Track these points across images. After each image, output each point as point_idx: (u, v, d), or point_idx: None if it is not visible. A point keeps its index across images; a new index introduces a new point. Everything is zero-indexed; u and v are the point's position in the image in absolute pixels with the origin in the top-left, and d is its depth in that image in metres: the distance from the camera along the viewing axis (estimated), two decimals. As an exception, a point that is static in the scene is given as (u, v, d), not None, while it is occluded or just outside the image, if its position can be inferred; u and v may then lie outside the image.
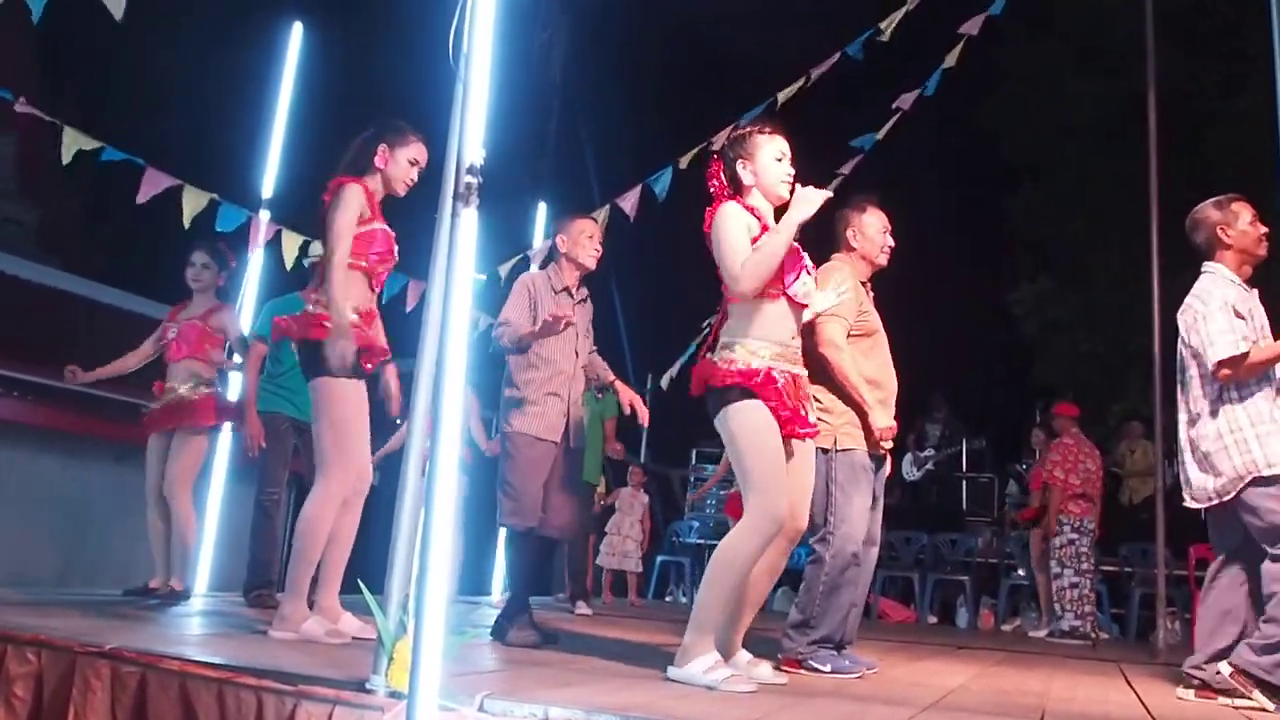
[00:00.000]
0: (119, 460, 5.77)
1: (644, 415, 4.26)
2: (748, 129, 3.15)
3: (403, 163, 3.47)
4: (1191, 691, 3.46)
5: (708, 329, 3.06)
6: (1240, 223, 3.53)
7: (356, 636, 3.35)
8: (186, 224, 4.82)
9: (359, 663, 2.44)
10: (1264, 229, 3.56)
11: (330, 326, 3.24)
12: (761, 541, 2.87)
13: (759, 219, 3.03)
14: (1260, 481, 3.28)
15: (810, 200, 2.91)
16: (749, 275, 2.89)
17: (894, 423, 3.67)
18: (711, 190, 3.14)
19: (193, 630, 3.60)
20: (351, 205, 3.31)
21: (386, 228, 3.46)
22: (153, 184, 4.80)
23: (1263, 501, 3.28)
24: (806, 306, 3.10)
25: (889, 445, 3.75)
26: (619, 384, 4.24)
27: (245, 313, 5.67)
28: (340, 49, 7.55)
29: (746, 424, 2.90)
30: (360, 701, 2.17)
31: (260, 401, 4.75)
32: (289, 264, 5.36)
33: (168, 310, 4.88)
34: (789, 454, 2.99)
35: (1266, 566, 3.26)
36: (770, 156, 3.08)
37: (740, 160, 3.08)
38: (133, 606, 4.10)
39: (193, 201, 4.87)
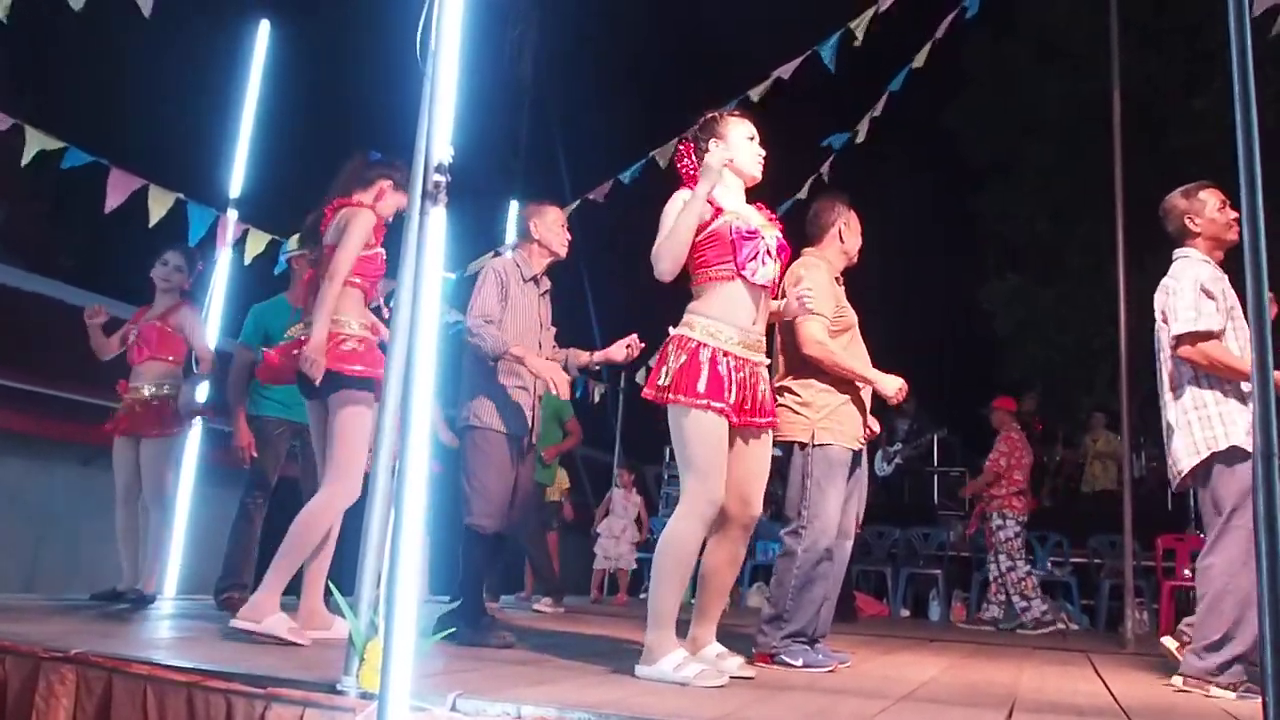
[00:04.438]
0: (85, 463, 5.70)
1: (635, 345, 3.86)
2: (715, 113, 3.18)
3: (392, 206, 3.59)
4: (1181, 679, 3.36)
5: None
6: (1207, 210, 3.52)
7: (318, 639, 3.33)
8: (152, 224, 4.74)
9: (330, 664, 2.42)
10: (1234, 214, 3.47)
11: (312, 344, 3.28)
12: (701, 525, 2.88)
13: (711, 203, 2.99)
14: (1220, 458, 3.26)
15: (712, 169, 2.91)
16: (659, 255, 2.92)
17: (902, 380, 3.65)
18: (682, 174, 3.15)
19: (161, 633, 3.55)
20: (364, 234, 3.42)
21: (383, 251, 3.56)
22: (119, 188, 4.71)
23: (1219, 479, 3.27)
24: (767, 289, 3.06)
25: (866, 438, 3.79)
26: (596, 354, 3.97)
27: (213, 316, 5.61)
28: (308, 47, 7.49)
29: (692, 408, 2.87)
30: (331, 703, 2.16)
31: (251, 406, 4.62)
32: (247, 259, 5.31)
33: (134, 311, 4.82)
34: (745, 440, 3.02)
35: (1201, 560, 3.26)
36: (742, 136, 3.12)
37: (713, 140, 3.08)
38: (100, 610, 4.05)
39: (159, 202, 4.80)
